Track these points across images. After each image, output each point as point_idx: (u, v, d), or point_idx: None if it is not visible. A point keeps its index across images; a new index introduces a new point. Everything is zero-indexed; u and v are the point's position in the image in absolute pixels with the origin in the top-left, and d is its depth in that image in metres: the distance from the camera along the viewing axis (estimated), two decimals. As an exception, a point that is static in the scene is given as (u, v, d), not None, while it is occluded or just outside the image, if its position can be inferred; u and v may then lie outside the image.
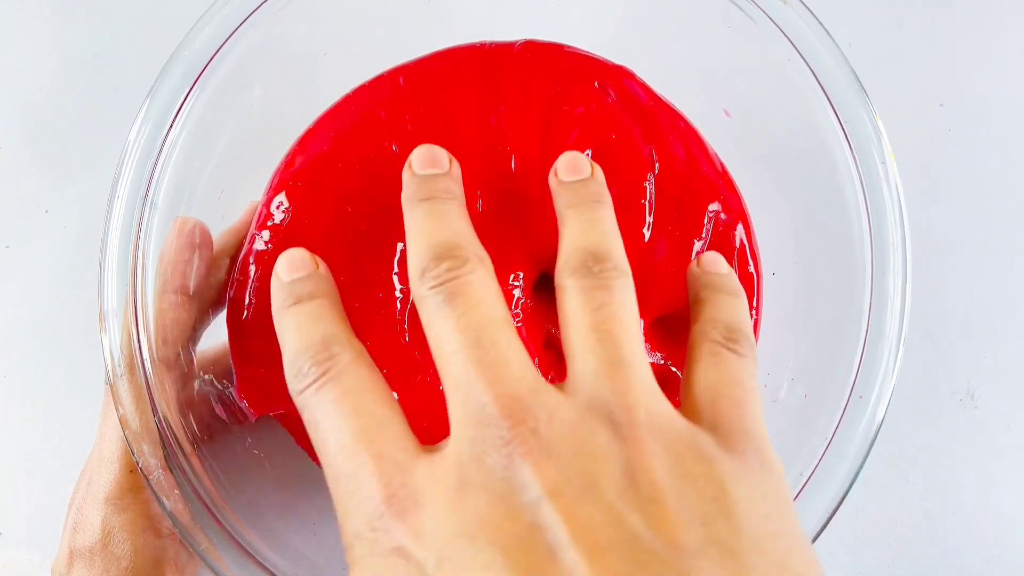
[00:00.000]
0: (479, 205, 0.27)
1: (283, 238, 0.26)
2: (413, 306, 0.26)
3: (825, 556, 0.36)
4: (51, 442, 0.36)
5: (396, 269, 0.27)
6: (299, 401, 0.20)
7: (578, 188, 0.23)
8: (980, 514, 0.36)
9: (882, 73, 0.38)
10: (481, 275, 0.20)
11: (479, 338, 0.19)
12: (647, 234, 0.27)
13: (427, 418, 0.23)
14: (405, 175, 0.23)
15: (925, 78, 0.38)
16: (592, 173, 0.24)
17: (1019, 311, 0.37)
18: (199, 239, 0.26)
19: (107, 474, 0.27)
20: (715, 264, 0.25)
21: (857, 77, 0.26)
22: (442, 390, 0.20)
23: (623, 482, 0.17)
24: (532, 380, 0.19)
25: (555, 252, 0.22)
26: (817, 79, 0.27)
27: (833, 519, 0.26)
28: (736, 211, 0.28)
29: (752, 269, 0.28)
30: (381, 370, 0.21)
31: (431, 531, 0.17)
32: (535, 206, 0.27)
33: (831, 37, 0.26)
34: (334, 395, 0.20)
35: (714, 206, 0.28)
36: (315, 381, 0.20)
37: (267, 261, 0.26)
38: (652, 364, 0.24)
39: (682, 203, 0.27)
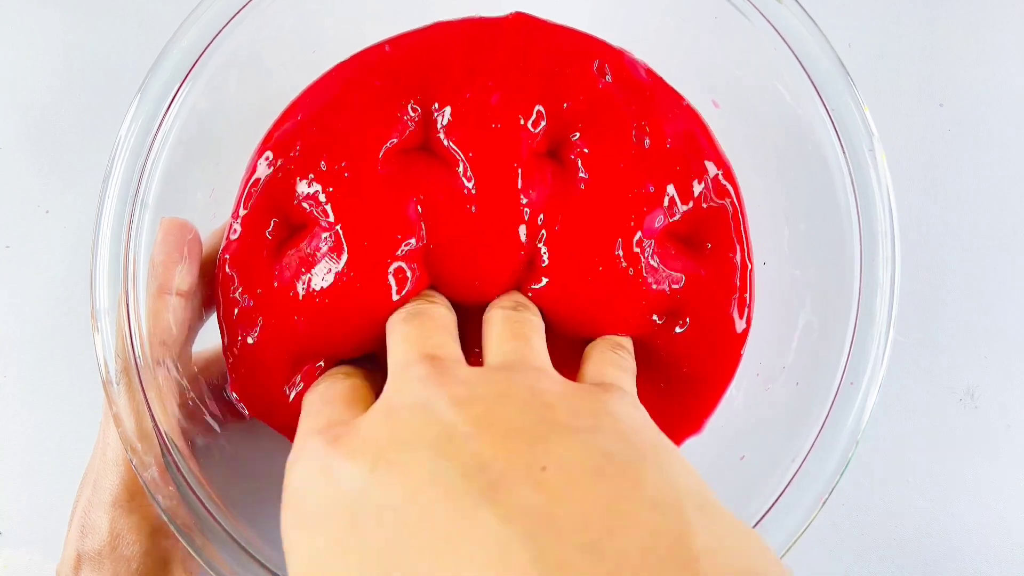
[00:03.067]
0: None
1: None
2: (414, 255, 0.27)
3: (824, 556, 0.36)
4: (51, 442, 0.36)
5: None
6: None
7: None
8: (979, 514, 0.36)
9: (882, 73, 0.38)
10: (442, 310, 0.25)
11: (425, 334, 0.23)
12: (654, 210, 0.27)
13: None
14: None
15: (925, 78, 0.38)
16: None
17: (1019, 311, 0.37)
18: (185, 238, 0.26)
19: (113, 477, 0.27)
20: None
21: (844, 66, 0.27)
22: None
23: (527, 395, 0.20)
24: (457, 355, 0.23)
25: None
26: (804, 69, 0.27)
27: (832, 518, 0.26)
28: (733, 197, 0.28)
29: (744, 257, 0.28)
30: None
31: (363, 444, 0.20)
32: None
33: (819, 28, 0.26)
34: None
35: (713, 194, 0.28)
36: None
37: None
38: (667, 292, 0.28)
39: (681, 181, 0.28)
